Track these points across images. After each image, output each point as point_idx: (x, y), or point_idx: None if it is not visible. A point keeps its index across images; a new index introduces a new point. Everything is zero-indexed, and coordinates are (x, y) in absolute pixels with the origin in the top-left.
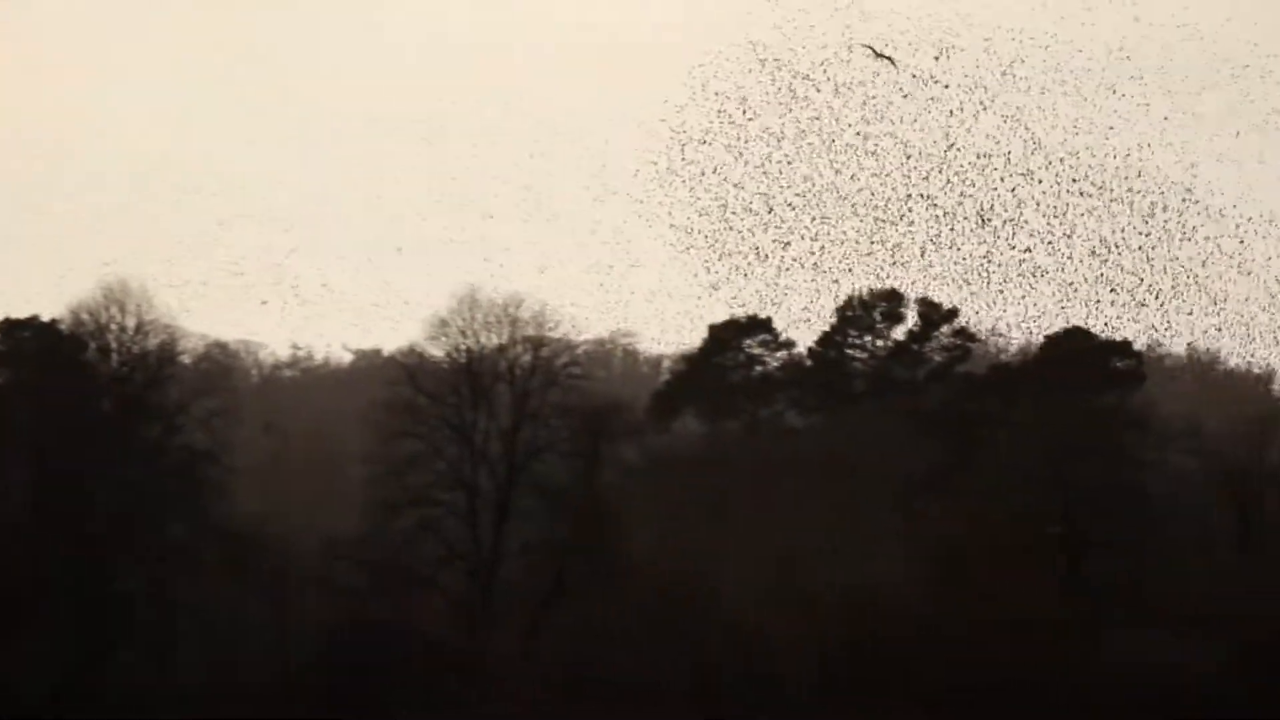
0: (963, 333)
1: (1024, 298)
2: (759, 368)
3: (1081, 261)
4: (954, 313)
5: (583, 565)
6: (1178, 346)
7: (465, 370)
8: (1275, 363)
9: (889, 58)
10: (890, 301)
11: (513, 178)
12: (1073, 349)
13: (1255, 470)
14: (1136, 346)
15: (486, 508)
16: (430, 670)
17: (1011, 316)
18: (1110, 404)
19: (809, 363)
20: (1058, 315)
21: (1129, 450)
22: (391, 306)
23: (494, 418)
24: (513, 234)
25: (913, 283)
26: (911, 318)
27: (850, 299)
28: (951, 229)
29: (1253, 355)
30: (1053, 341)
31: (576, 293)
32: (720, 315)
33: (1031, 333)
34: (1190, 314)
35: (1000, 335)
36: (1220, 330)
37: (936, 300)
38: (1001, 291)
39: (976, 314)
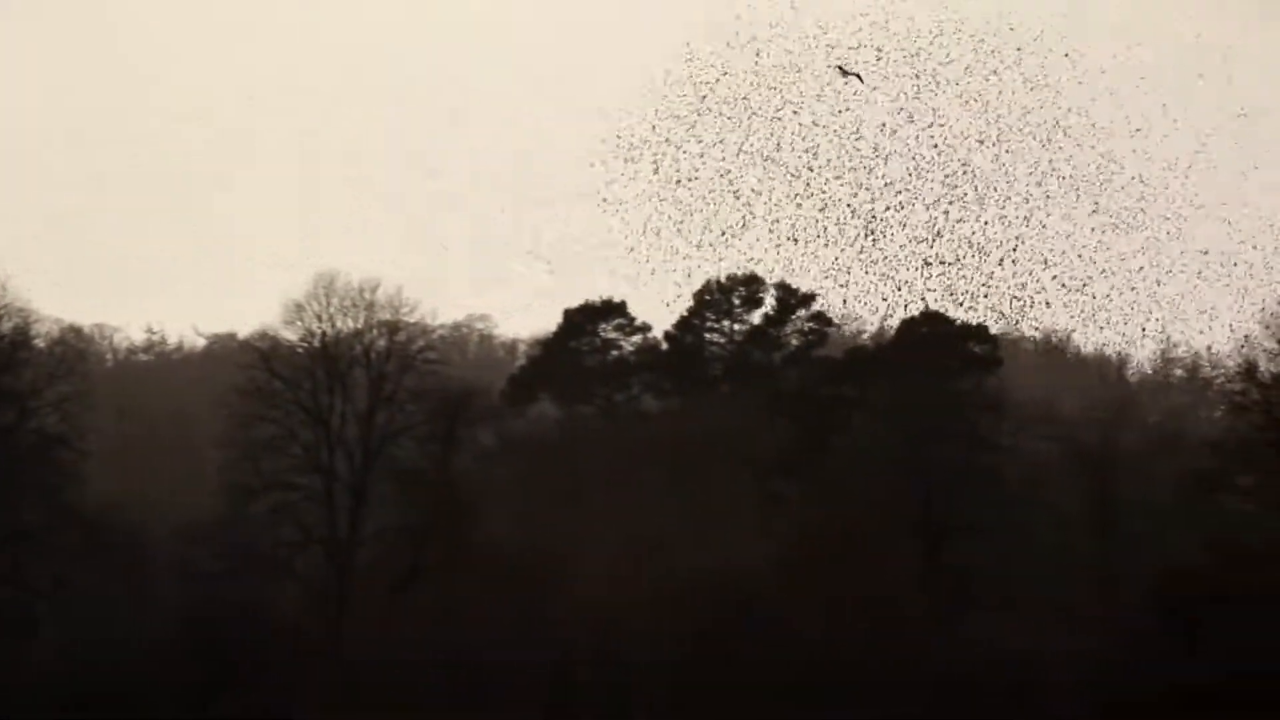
0: (820, 317)
1: (882, 282)
2: (614, 352)
3: (938, 247)
4: (811, 297)
5: (439, 549)
6: (1032, 330)
7: (321, 354)
8: (1128, 347)
9: (857, 75)
10: (748, 286)
11: (357, 161)
12: (929, 333)
13: (1109, 454)
14: (992, 331)
15: (343, 492)
16: (286, 654)
17: (869, 300)
18: (966, 388)
19: (665, 347)
20: (915, 299)
21: (985, 434)
22: (247, 289)
23: (350, 402)
24: (368, 218)
25: (771, 267)
26: (769, 302)
27: (708, 283)
28: (812, 214)
29: (1106, 339)
30: (909, 325)
31: (431, 277)
32: (576, 299)
33: (888, 317)
34: (1044, 300)
35: (857, 319)
36: (1074, 315)
37: (794, 285)
38: (859, 275)
39: (837, 298)
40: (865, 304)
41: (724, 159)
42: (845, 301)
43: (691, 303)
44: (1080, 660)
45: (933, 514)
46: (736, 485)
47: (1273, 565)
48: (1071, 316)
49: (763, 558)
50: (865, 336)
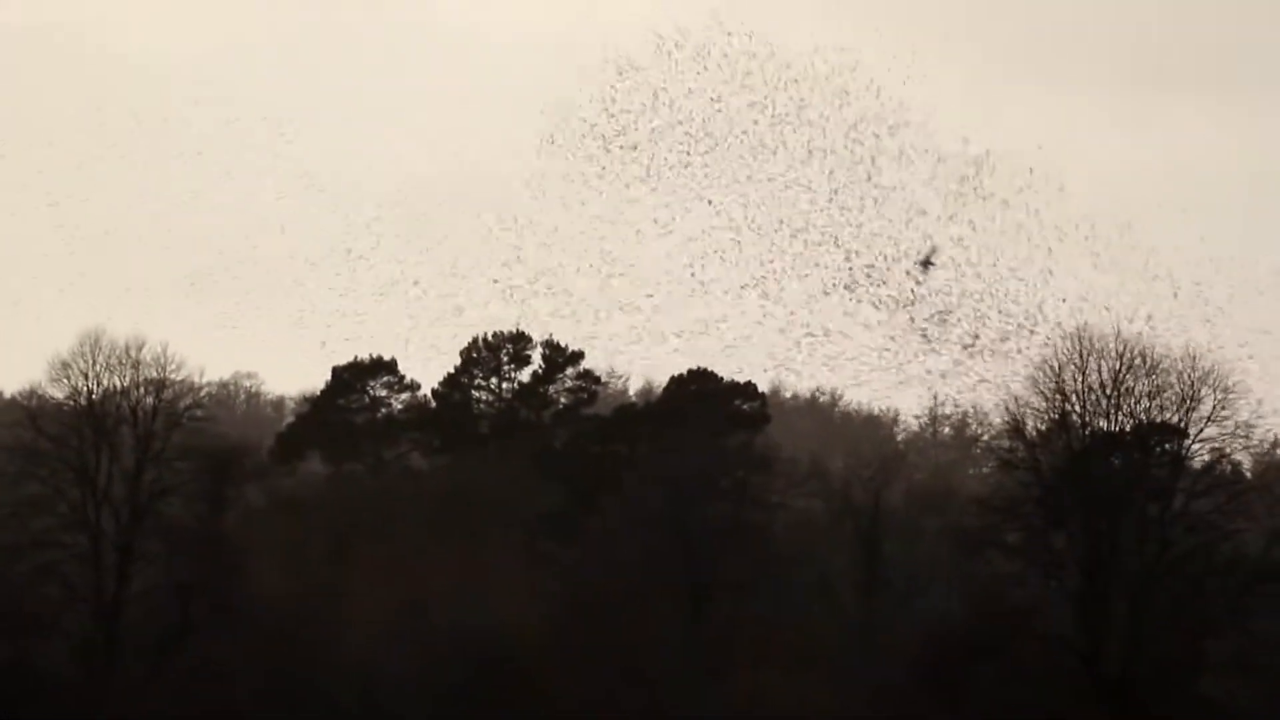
0: (588, 375)
1: (649, 340)
2: (383, 409)
3: (708, 303)
4: (579, 355)
5: (207, 606)
6: (802, 388)
7: (87, 412)
8: (897, 404)
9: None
10: (516, 343)
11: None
12: (698, 391)
13: (876, 511)
14: (761, 388)
15: (110, 550)
16: (51, 713)
17: (637, 358)
18: (735, 445)
19: (434, 404)
20: (683, 357)
21: (754, 491)
22: (12, 347)
23: (117, 460)
24: (135, 275)
25: (536, 326)
26: (537, 359)
27: (475, 340)
28: (579, 270)
29: (874, 396)
30: (678, 383)
31: (198, 335)
32: (344, 356)
33: (656, 375)
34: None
35: (622, 377)
36: (841, 371)
37: (562, 343)
38: (625, 332)
39: (603, 355)
40: (632, 361)
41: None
42: (612, 359)
43: (459, 360)
44: (844, 716)
45: (699, 572)
46: (505, 543)
47: (1036, 622)
48: (839, 374)
49: (531, 616)
50: (633, 394)
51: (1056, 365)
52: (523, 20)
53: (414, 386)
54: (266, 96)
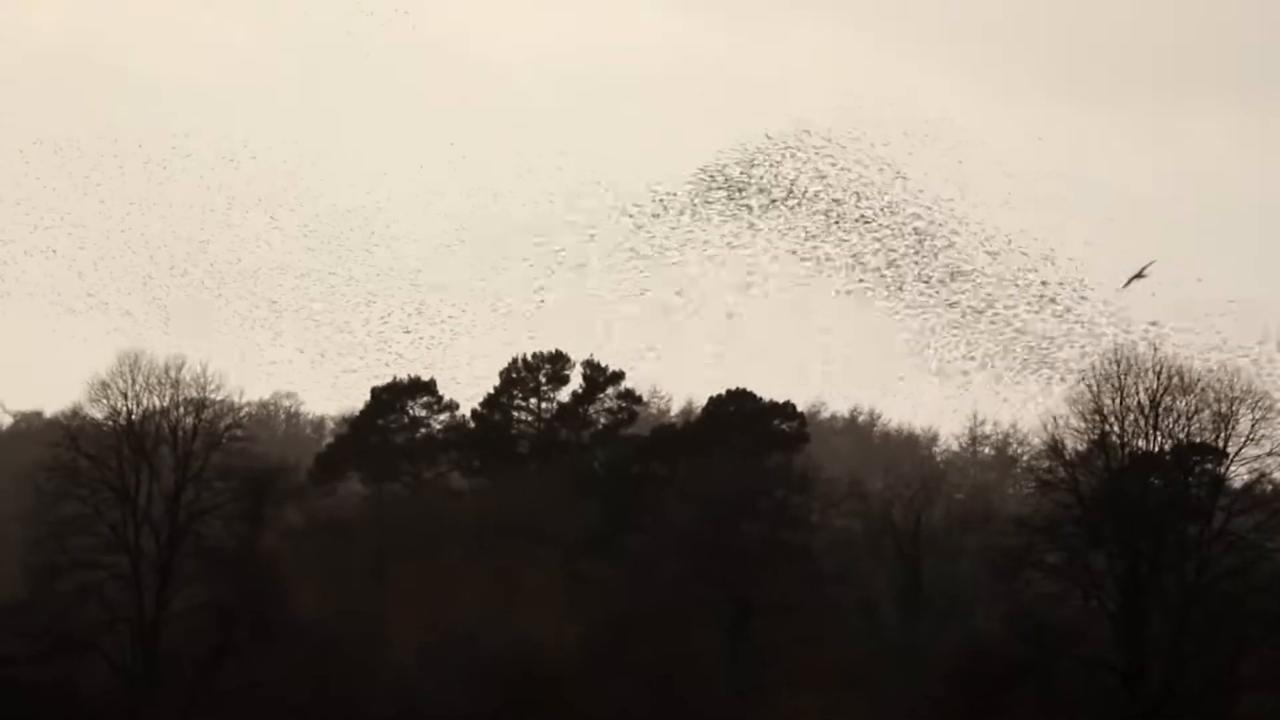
0: (628, 395)
1: (691, 360)
2: (423, 430)
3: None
4: (619, 375)
5: (246, 627)
6: (840, 408)
7: (127, 432)
8: (936, 424)
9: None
10: (555, 364)
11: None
12: (736, 411)
13: (916, 531)
14: (800, 408)
15: (150, 570)
16: None
17: (677, 378)
18: (774, 465)
19: (473, 424)
20: (723, 377)
21: (793, 511)
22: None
23: (157, 480)
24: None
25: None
26: (577, 380)
27: (515, 360)
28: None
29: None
30: (717, 403)
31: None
32: (384, 377)
33: (696, 395)
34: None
35: (664, 397)
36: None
37: (602, 363)
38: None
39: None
40: (674, 381)
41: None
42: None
43: (499, 380)
44: None
45: (740, 591)
46: (544, 563)
47: (1076, 642)
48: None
49: (570, 636)
50: (673, 414)
51: (1095, 386)
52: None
53: (453, 406)
54: (284, 120)
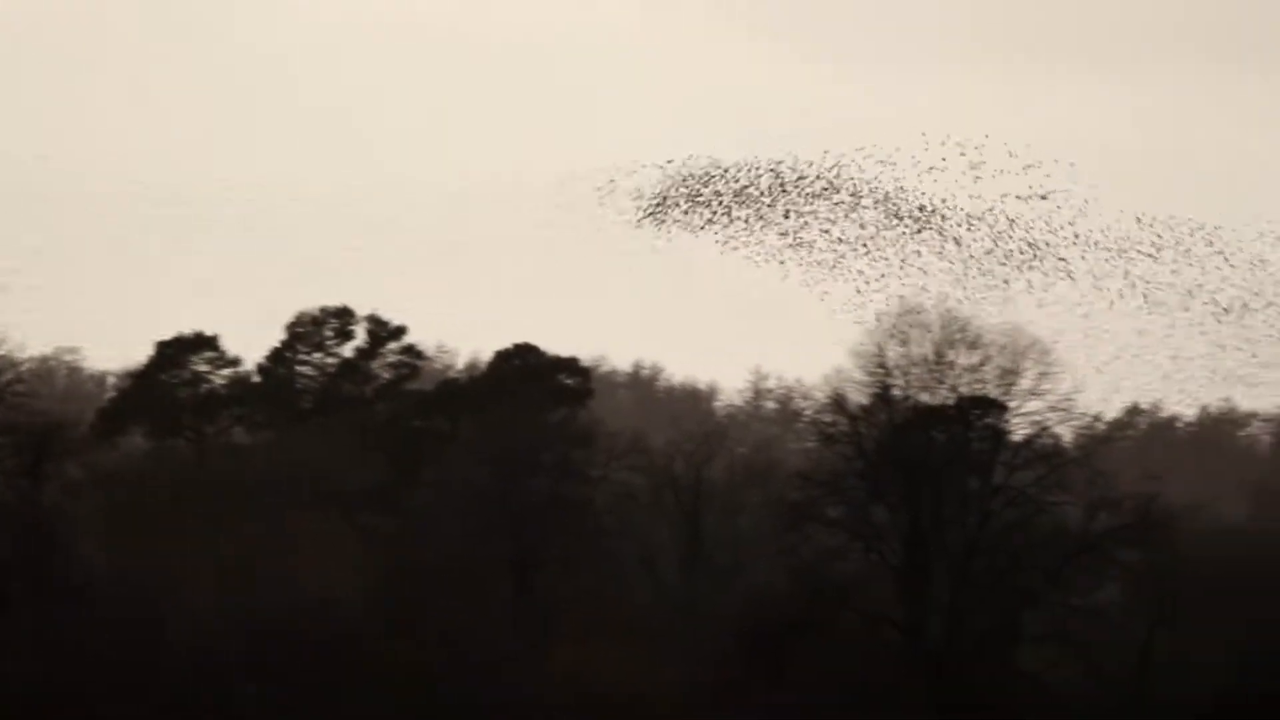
0: (411, 350)
1: (475, 313)
2: (206, 385)
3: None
4: (402, 330)
5: (27, 583)
6: (623, 362)
7: None
8: (717, 378)
9: None
10: (340, 318)
11: None
12: (521, 366)
13: (698, 486)
14: (583, 363)
15: None
16: None
17: (462, 331)
18: (558, 420)
19: (257, 379)
20: (507, 331)
21: (576, 466)
22: None
23: None
24: None
25: (361, 299)
26: (361, 335)
27: (300, 315)
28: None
29: (695, 371)
30: (501, 358)
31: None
32: (167, 331)
33: (481, 348)
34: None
35: (449, 351)
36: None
37: (385, 318)
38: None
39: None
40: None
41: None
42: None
43: (284, 335)
44: (668, 692)
45: (522, 546)
46: (329, 518)
47: (858, 596)
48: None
49: (355, 591)
50: (458, 369)
51: (878, 339)
52: None
53: (236, 362)
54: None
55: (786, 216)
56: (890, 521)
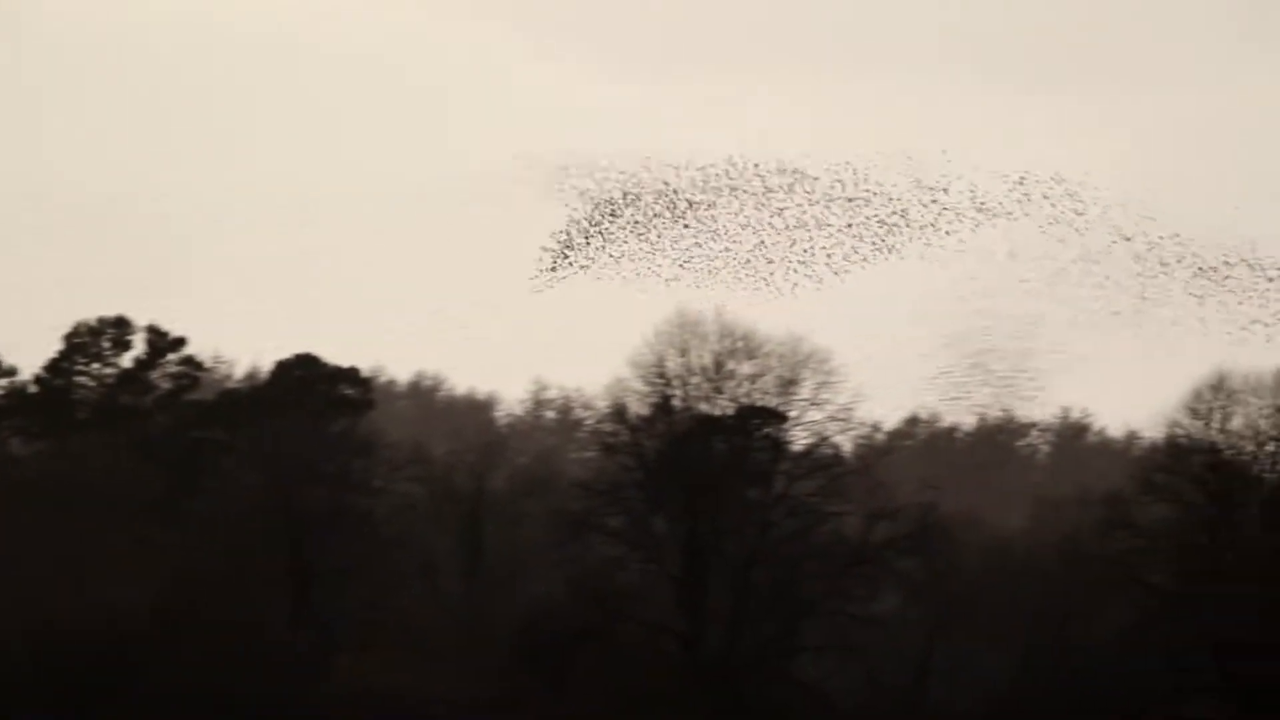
0: (190, 360)
1: (259, 323)
2: None
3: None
4: (182, 341)
5: None
6: (403, 373)
7: None
8: (498, 389)
9: None
10: (117, 328)
11: None
12: (301, 376)
13: (478, 496)
14: (364, 373)
15: None
16: None
17: (240, 341)
18: (338, 430)
19: (34, 389)
20: (288, 341)
21: (357, 477)
22: None
23: None
24: None
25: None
26: (140, 345)
27: (78, 326)
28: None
29: (475, 382)
30: (282, 368)
31: None
32: None
33: (261, 358)
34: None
35: (228, 361)
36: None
37: (165, 329)
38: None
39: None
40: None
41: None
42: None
43: (61, 345)
44: (449, 702)
45: (304, 557)
46: (108, 528)
47: (638, 606)
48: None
49: (136, 601)
50: (238, 379)
51: (658, 348)
52: None
53: (12, 372)
54: None
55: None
56: (670, 531)
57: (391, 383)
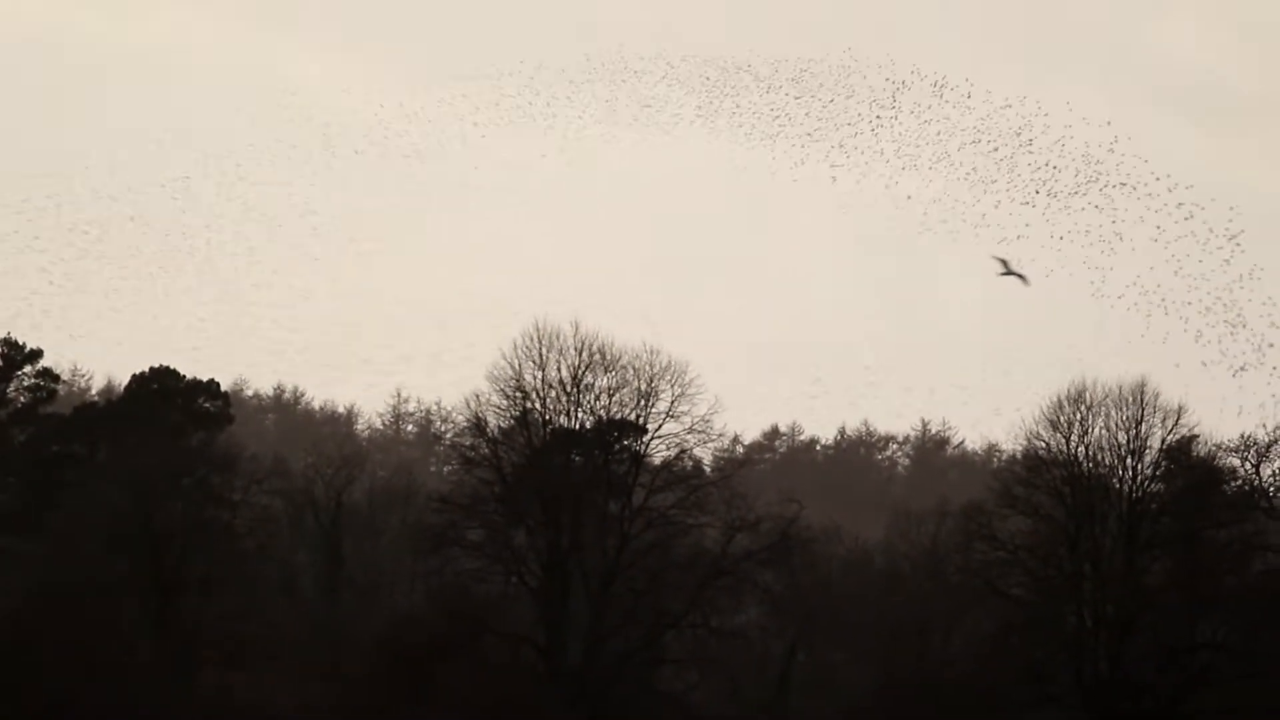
0: (47, 374)
1: (119, 337)
2: None
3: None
4: (38, 353)
5: None
6: (265, 385)
7: None
8: (357, 402)
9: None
10: None
11: None
12: (160, 389)
13: (336, 509)
14: (223, 386)
15: None
16: None
17: (97, 355)
18: (197, 443)
19: None
20: (146, 354)
21: (217, 490)
22: None
23: None
24: None
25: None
26: None
27: None
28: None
29: (332, 394)
30: (138, 381)
31: None
32: None
33: (116, 372)
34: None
35: (85, 374)
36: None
37: (20, 341)
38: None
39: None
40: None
41: None
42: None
43: None
44: (311, 712)
45: (164, 569)
46: None
47: (499, 618)
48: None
49: None
50: (95, 392)
51: (516, 362)
52: None
53: None
54: None
55: None
56: (530, 544)
57: (255, 396)
